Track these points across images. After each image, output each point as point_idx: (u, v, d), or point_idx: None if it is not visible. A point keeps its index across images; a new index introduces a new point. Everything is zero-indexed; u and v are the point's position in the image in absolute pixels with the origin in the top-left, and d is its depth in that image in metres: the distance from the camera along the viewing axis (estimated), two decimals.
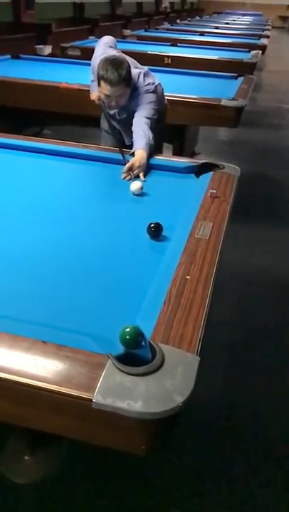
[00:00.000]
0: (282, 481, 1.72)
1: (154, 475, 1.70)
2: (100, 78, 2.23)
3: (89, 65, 2.67)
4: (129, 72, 2.25)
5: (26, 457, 1.64)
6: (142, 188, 1.95)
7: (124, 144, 2.55)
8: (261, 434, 1.89)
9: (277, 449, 1.84)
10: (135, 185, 1.95)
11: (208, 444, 1.83)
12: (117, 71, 2.18)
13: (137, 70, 2.43)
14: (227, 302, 2.56)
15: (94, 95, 2.64)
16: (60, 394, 0.92)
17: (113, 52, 2.51)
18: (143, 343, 1.04)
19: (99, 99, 2.45)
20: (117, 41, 2.94)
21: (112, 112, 2.56)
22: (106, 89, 2.23)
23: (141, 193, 1.95)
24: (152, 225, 1.58)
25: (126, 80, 2.23)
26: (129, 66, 2.27)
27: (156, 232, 1.58)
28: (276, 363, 2.26)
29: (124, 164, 2.12)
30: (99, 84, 2.27)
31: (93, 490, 1.62)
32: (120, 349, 1.03)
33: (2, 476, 1.61)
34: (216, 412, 1.96)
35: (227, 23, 12.89)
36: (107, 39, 2.76)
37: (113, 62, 2.20)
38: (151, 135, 2.28)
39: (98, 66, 2.24)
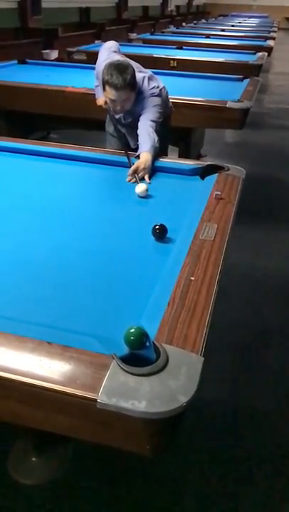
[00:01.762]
0: (285, 482, 1.72)
1: (157, 475, 1.70)
2: (104, 83, 2.24)
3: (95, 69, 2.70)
4: (133, 76, 2.26)
5: (33, 458, 1.65)
6: (147, 190, 1.96)
7: (130, 147, 2.56)
8: (265, 435, 1.88)
9: (282, 449, 1.83)
10: (140, 188, 1.96)
11: (212, 444, 1.83)
12: (122, 76, 2.19)
13: (141, 74, 2.44)
14: (233, 304, 2.56)
15: (101, 100, 2.64)
16: (65, 394, 0.93)
17: (117, 57, 2.52)
18: (147, 343, 1.05)
19: (106, 103, 2.46)
20: (123, 45, 2.96)
21: (117, 116, 2.57)
22: (111, 93, 2.24)
23: (146, 195, 1.96)
24: (157, 227, 1.59)
25: (131, 85, 2.25)
26: (134, 70, 2.29)
27: (161, 233, 1.58)
28: (283, 364, 2.26)
29: (130, 167, 2.14)
30: (104, 89, 2.28)
31: (99, 490, 1.63)
32: (125, 350, 1.04)
33: (9, 476, 1.62)
34: (221, 413, 1.96)
35: (233, 26, 12.93)
36: (111, 44, 2.78)
37: (118, 67, 2.22)
38: (156, 138, 2.29)
39: (103, 71, 2.25)
